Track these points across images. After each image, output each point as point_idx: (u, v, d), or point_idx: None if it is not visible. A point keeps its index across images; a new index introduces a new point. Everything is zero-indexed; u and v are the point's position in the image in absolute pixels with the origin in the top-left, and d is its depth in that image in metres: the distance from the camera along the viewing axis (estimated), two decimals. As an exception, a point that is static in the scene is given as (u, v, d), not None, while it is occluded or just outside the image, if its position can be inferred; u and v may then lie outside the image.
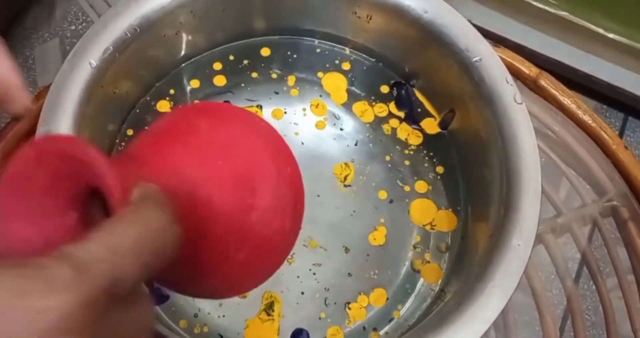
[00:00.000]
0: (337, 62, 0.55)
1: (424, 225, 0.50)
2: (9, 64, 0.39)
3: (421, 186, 0.51)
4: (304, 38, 0.55)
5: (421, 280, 0.48)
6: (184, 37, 0.51)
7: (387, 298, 0.48)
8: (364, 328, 0.47)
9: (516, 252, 0.39)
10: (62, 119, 0.42)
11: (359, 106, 0.54)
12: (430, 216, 0.50)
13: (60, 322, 0.21)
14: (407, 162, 0.52)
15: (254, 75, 0.54)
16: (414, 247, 0.49)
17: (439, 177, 0.52)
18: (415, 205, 0.51)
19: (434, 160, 0.53)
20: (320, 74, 0.55)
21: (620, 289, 0.55)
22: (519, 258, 0.39)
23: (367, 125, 0.53)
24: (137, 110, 0.52)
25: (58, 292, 0.21)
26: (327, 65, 0.55)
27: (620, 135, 0.97)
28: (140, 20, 0.46)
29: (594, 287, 0.56)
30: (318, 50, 0.55)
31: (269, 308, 0.47)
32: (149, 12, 0.46)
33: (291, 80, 0.54)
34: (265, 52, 0.55)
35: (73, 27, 0.99)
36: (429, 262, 0.49)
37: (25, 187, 0.27)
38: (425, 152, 0.53)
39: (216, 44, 0.54)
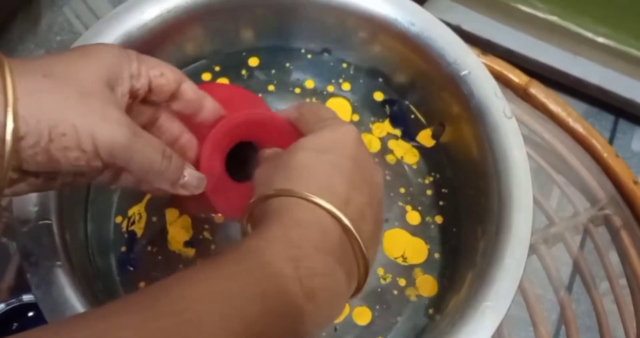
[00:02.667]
0: (339, 80, 0.54)
1: (397, 257, 0.49)
2: (179, 72, 0.37)
3: (413, 217, 0.51)
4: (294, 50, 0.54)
5: (413, 298, 0.47)
6: (170, 51, 0.50)
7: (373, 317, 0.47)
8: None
9: (509, 270, 0.39)
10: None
11: (364, 137, 0.53)
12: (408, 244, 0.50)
13: None
14: (402, 190, 0.51)
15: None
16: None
17: (430, 197, 0.51)
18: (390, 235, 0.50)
19: (429, 176, 0.52)
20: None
21: (612, 293, 0.55)
22: (512, 277, 0.39)
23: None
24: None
25: None
26: (325, 82, 0.54)
27: (611, 138, 0.97)
28: (123, 38, 0.45)
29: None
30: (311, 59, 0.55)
31: None
32: (132, 29, 0.46)
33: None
34: (253, 62, 0.54)
35: (59, 38, 0.98)
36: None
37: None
38: (419, 170, 0.52)
39: (202, 56, 0.53)
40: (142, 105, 0.36)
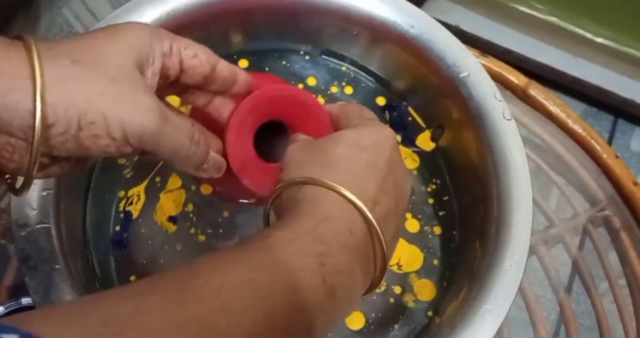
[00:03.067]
0: (342, 83, 0.54)
1: (392, 265, 0.49)
2: (213, 53, 0.36)
3: (412, 225, 0.51)
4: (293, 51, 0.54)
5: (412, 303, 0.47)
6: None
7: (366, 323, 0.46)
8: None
9: (509, 274, 0.39)
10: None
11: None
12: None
13: None
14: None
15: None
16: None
17: (431, 207, 0.51)
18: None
19: (429, 182, 0.52)
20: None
21: (612, 294, 0.55)
22: (512, 279, 0.39)
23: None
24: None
25: None
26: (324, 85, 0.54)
27: (611, 138, 0.97)
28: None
29: (588, 290, 0.56)
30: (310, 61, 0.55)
31: None
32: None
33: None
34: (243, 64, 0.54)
35: (58, 39, 0.98)
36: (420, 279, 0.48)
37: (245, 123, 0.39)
38: (420, 176, 0.52)
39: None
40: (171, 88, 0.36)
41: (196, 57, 0.34)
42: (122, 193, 0.49)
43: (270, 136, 0.41)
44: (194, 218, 0.49)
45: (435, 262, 0.48)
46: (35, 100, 0.27)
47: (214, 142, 0.39)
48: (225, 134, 0.38)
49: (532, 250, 0.55)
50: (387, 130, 0.36)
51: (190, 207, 0.49)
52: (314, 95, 0.41)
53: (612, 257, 0.56)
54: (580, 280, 0.56)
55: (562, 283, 0.55)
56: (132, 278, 0.47)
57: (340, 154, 0.34)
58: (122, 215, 0.48)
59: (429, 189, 0.51)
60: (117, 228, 0.48)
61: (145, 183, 0.49)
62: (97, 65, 0.29)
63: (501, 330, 0.53)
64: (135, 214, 0.49)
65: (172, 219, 0.49)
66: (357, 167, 0.33)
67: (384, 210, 0.33)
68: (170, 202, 0.49)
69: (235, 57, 0.54)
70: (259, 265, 0.27)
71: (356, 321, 0.46)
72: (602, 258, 0.56)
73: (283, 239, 0.29)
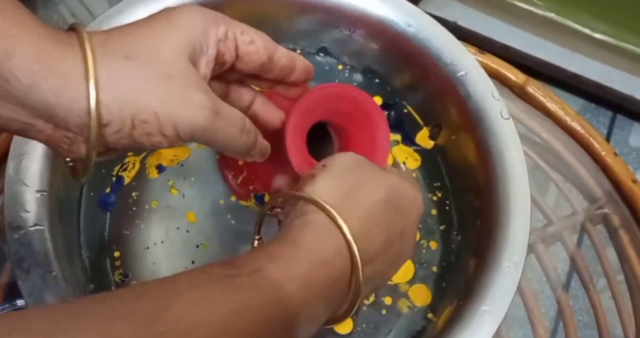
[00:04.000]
0: (335, 81, 0.54)
1: None
2: (271, 40, 0.35)
3: None
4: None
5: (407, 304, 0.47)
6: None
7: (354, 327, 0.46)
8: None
9: (507, 275, 0.39)
10: (35, 145, 0.41)
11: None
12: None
13: None
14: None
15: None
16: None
17: (429, 196, 0.51)
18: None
19: (430, 183, 0.52)
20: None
21: (610, 291, 0.55)
22: (510, 281, 0.38)
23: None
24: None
25: None
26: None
27: (609, 133, 0.97)
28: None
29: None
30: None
31: None
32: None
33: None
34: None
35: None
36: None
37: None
38: (423, 180, 0.52)
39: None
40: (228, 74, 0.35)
41: (253, 44, 0.34)
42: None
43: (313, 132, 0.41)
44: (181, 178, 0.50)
45: (434, 269, 0.48)
46: (89, 99, 0.27)
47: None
48: (285, 131, 0.38)
49: (531, 249, 0.55)
50: (420, 202, 0.37)
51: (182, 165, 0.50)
52: (371, 97, 0.41)
53: (610, 254, 0.56)
54: (579, 278, 0.56)
55: (560, 280, 0.55)
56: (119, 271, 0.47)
57: (367, 199, 0.34)
58: (114, 178, 0.49)
59: (435, 198, 0.51)
60: (107, 190, 0.49)
61: (142, 155, 0.50)
62: (150, 61, 0.29)
63: (499, 328, 0.53)
64: (127, 180, 0.49)
65: (160, 167, 0.50)
66: (376, 219, 0.34)
67: (374, 271, 0.33)
68: (170, 151, 0.50)
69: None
70: (240, 308, 0.27)
71: (344, 325, 0.46)
72: (600, 256, 0.56)
73: (271, 282, 0.29)
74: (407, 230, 0.36)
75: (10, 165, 0.40)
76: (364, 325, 0.46)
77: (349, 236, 0.31)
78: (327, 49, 0.53)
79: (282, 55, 0.35)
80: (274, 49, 0.35)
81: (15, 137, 0.41)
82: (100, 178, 0.49)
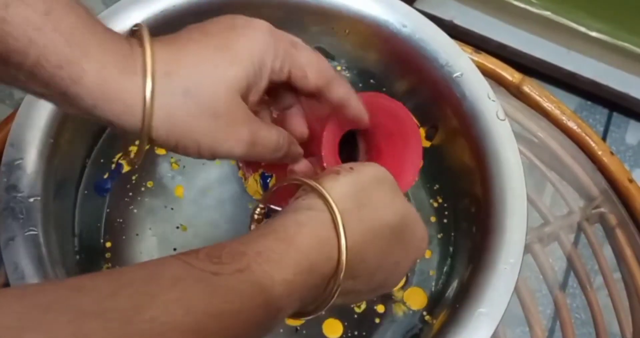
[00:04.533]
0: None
1: None
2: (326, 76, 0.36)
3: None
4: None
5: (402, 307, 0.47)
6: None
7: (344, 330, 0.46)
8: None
9: (504, 276, 0.38)
10: (30, 147, 0.41)
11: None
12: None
13: None
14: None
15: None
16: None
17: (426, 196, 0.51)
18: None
19: (425, 185, 0.52)
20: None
21: (607, 289, 0.55)
22: (507, 282, 0.38)
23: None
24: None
25: None
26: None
27: (605, 131, 0.97)
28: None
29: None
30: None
31: None
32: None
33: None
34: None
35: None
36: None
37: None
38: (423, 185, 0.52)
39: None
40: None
41: (305, 79, 0.35)
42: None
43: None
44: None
45: (431, 272, 0.48)
46: (143, 122, 0.31)
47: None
48: (322, 142, 0.39)
49: (527, 248, 0.55)
50: (426, 245, 0.37)
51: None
52: (412, 116, 0.41)
53: (607, 254, 0.56)
54: (576, 277, 0.56)
55: (557, 279, 0.55)
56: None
57: (382, 221, 0.33)
58: (113, 165, 0.50)
59: (436, 204, 0.51)
60: (105, 176, 0.50)
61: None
62: (206, 100, 0.32)
63: (496, 328, 0.53)
64: (126, 168, 0.50)
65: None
66: (378, 241, 0.33)
67: (352, 288, 0.33)
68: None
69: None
70: (216, 312, 0.27)
71: (334, 328, 0.46)
72: (597, 255, 0.56)
73: (254, 286, 0.28)
74: (402, 264, 0.35)
75: (4, 170, 0.40)
76: (356, 332, 0.46)
77: (343, 247, 0.31)
78: (323, 49, 0.53)
79: (337, 93, 0.36)
80: (327, 83, 0.36)
81: (8, 141, 0.41)
82: (100, 166, 0.50)
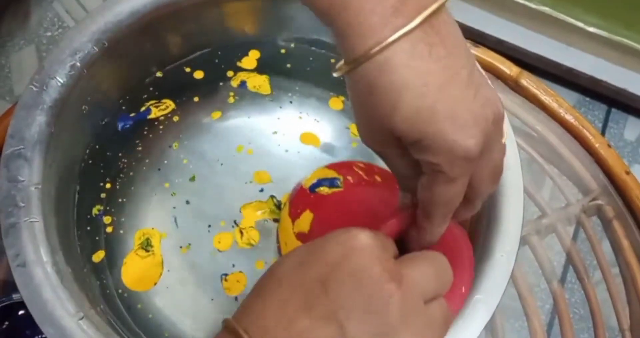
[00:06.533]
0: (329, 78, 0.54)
1: None
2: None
3: None
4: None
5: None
6: (155, 48, 0.50)
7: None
8: None
9: (500, 264, 0.39)
10: (30, 137, 0.41)
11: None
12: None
13: None
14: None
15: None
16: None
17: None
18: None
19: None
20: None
21: (605, 283, 0.55)
22: (503, 270, 0.38)
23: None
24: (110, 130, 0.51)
25: None
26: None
27: (604, 127, 0.97)
28: (109, 34, 0.45)
29: (582, 279, 0.56)
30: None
31: (146, 245, 0.48)
32: (109, 26, 0.45)
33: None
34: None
35: (49, 33, 0.97)
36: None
37: None
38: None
39: (192, 51, 0.53)
40: None
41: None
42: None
43: None
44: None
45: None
46: None
47: None
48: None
49: (525, 241, 0.55)
50: None
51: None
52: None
53: (605, 246, 0.56)
54: (574, 270, 0.56)
55: (555, 273, 0.55)
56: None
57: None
58: (143, 109, 0.51)
59: None
60: (132, 114, 0.51)
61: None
62: None
63: (495, 320, 0.54)
64: (154, 114, 0.52)
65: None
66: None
67: None
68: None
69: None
70: None
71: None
72: (595, 247, 0.56)
73: None
74: None
75: (4, 158, 0.40)
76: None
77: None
78: (322, 41, 0.53)
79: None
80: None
81: (8, 133, 0.41)
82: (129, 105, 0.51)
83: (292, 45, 0.54)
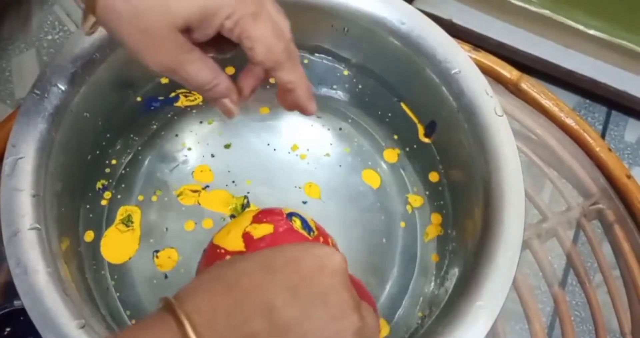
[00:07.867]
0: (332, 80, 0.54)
1: None
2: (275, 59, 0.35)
3: (416, 200, 0.51)
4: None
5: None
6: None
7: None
8: None
9: (501, 270, 0.39)
10: (31, 145, 0.41)
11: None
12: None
13: None
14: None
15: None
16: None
17: (426, 193, 0.52)
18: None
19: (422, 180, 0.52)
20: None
21: (606, 286, 0.55)
22: (505, 275, 0.38)
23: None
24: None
25: None
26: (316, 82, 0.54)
27: (604, 129, 0.97)
28: (110, 40, 0.45)
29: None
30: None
31: (127, 220, 0.49)
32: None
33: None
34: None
35: (50, 37, 0.97)
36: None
37: None
38: (413, 167, 0.53)
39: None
40: None
41: (251, 51, 0.34)
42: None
43: None
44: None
45: (431, 268, 0.48)
46: None
47: None
48: None
49: (526, 245, 0.55)
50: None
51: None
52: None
53: (606, 249, 0.56)
54: (574, 273, 0.56)
55: (556, 276, 0.55)
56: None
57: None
58: (172, 95, 0.53)
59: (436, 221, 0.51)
60: (161, 97, 0.53)
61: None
62: (143, 13, 0.31)
63: (496, 324, 0.54)
64: (182, 103, 0.54)
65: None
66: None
67: None
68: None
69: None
70: None
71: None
72: (595, 251, 0.56)
73: None
74: None
75: (6, 167, 0.40)
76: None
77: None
78: (322, 47, 0.53)
79: (284, 76, 0.35)
80: (276, 63, 0.34)
81: (10, 140, 0.42)
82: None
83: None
